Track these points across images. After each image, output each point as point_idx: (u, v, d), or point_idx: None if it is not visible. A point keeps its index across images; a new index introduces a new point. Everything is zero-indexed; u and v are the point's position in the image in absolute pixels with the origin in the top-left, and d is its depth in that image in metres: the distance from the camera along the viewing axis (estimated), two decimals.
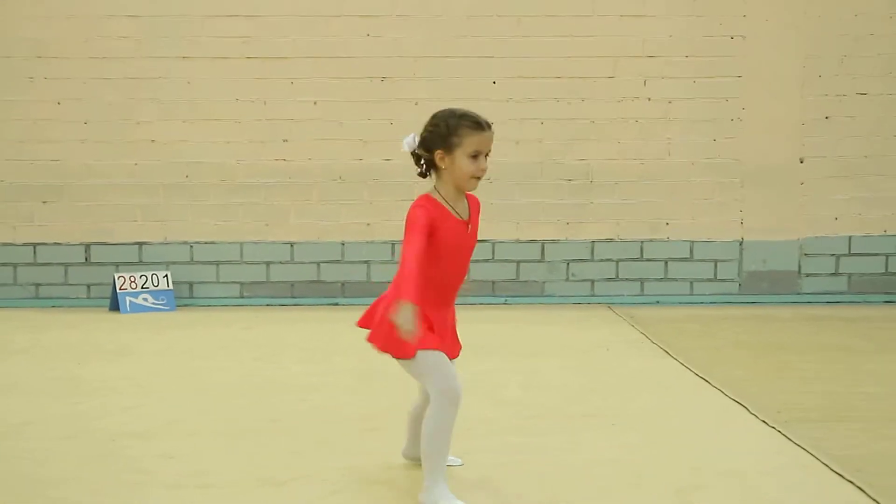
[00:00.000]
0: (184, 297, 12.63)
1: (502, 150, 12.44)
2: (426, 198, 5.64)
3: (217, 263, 12.75)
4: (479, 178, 5.68)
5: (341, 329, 10.80)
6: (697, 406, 8.24)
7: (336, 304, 12.57)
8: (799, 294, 12.92)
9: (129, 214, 12.66)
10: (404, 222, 5.66)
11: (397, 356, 5.69)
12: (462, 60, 12.72)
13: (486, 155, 5.71)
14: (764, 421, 7.63)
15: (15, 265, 12.66)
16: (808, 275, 12.95)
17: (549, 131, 12.79)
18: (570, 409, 8.12)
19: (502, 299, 12.86)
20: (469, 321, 11.28)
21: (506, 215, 12.79)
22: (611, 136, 12.81)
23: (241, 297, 12.68)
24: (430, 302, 5.72)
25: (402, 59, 12.63)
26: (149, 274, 12.46)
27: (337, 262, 12.68)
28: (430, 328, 5.75)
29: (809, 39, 12.77)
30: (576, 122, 12.79)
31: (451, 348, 6.01)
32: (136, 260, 12.69)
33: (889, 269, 12.93)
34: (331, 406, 8.03)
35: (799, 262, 12.94)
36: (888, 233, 12.88)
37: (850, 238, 12.91)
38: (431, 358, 5.66)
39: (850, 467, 6.52)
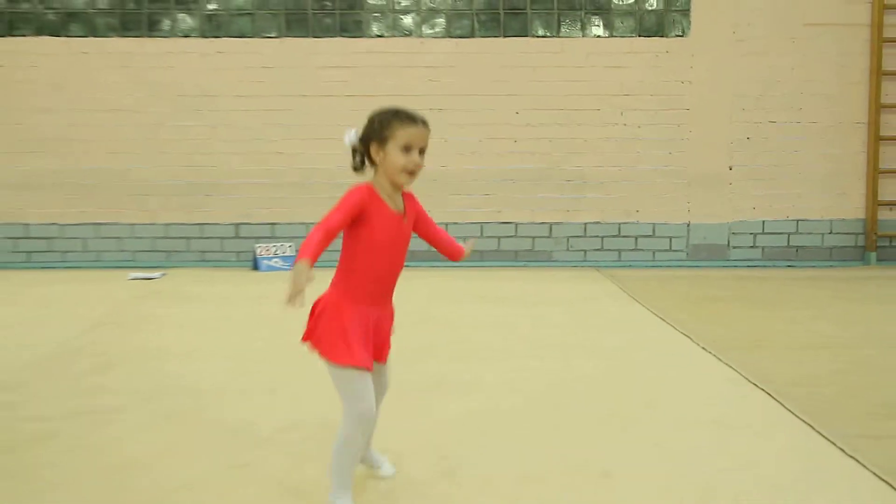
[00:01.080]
0: None
1: (523, 159, 12.59)
2: (365, 185, 4.27)
3: None
4: (412, 174, 4.30)
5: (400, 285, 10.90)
6: (657, 338, 8.31)
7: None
8: (728, 261, 12.95)
9: (264, 204, 12.79)
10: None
11: (324, 357, 4.28)
12: (494, 97, 12.77)
13: (422, 152, 4.32)
14: (703, 348, 7.75)
15: (188, 238, 12.81)
16: (734, 247, 12.98)
17: (555, 147, 12.84)
18: (566, 340, 8.19)
19: (522, 263, 12.93)
20: (498, 279, 11.49)
21: (525, 205, 12.86)
22: (597, 150, 12.86)
23: None
24: (365, 299, 4.38)
25: (453, 97, 12.70)
26: (278, 245, 12.58)
27: None
28: (361, 338, 4.32)
29: (735, 84, 12.81)
30: (574, 140, 12.85)
31: (380, 351, 4.53)
32: (270, 235, 12.81)
33: (790, 244, 12.94)
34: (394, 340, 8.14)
35: (728, 238, 12.96)
36: (789, 218, 12.90)
37: (763, 222, 12.94)
38: (354, 379, 4.21)
39: (763, 379, 6.73)
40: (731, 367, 7.12)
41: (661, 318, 9.05)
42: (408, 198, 4.49)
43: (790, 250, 13.01)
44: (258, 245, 12.60)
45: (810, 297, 10.40)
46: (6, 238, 12.75)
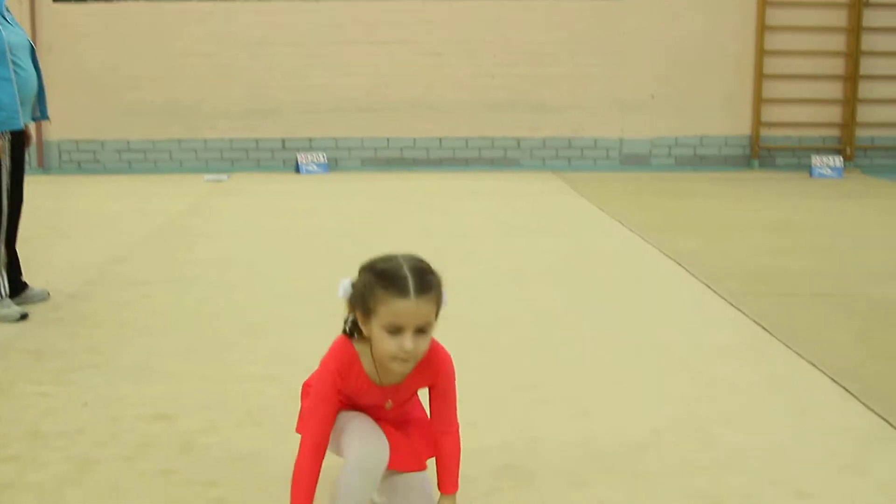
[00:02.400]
0: (333, 167, 12.70)
1: (499, 90, 12.61)
2: (340, 358, 2.43)
3: (349, 149, 12.80)
4: (406, 360, 2.30)
5: (397, 184, 10.94)
6: (594, 222, 8.37)
7: (407, 170, 12.74)
8: (650, 166, 12.92)
9: (304, 124, 12.64)
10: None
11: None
12: (478, 44, 12.65)
13: (421, 330, 2.28)
14: (630, 230, 7.81)
15: (247, 150, 12.69)
16: (654, 156, 12.94)
17: (523, 81, 12.69)
18: (531, 224, 8.28)
19: (497, 168, 12.81)
20: (479, 180, 11.55)
21: (500, 124, 12.74)
22: (555, 84, 12.69)
23: (362, 167, 12.78)
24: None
25: (449, 44, 12.55)
26: (314, 154, 12.53)
27: (410, 147, 12.75)
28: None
29: (658, 35, 12.65)
30: (537, 76, 12.70)
31: (395, 452, 2.47)
32: (308, 147, 12.72)
33: (696, 154, 12.86)
34: (383, 221, 8.24)
35: (650, 149, 12.92)
36: (695, 135, 12.83)
37: (676, 137, 12.86)
38: (347, 419, 2.48)
39: (673, 251, 6.87)
40: (650, 243, 7.20)
41: (600, 208, 9.07)
42: (421, 369, 2.45)
43: (696, 158, 12.95)
44: (299, 154, 12.53)
45: (710, 193, 10.44)
46: (114, 151, 12.69)
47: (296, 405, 3.73)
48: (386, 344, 2.28)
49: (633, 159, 12.95)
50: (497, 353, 4.45)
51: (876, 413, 3.68)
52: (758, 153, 12.88)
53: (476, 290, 5.68)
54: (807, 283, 5.96)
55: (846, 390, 3.93)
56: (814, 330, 4.86)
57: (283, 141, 12.76)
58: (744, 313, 5.16)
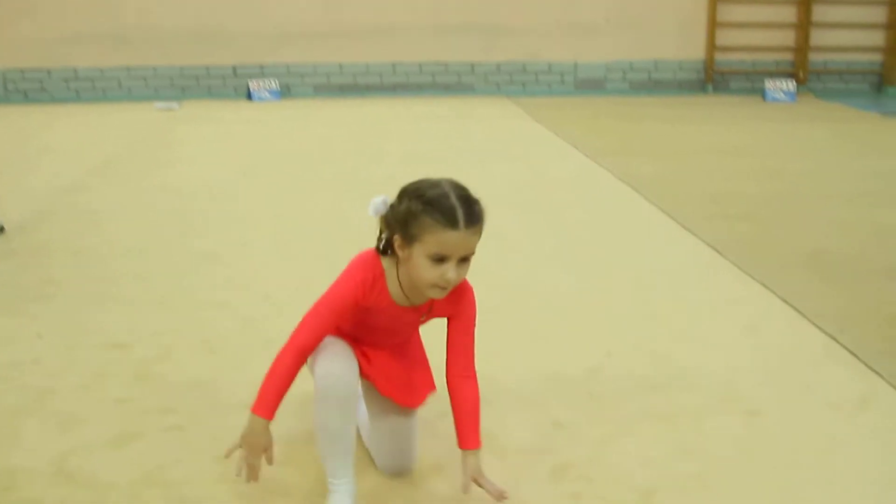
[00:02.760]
0: (285, 93, 12.54)
1: (451, 15, 12.43)
2: (368, 271, 2.37)
3: (301, 75, 12.64)
4: (444, 288, 2.28)
5: (350, 110, 10.84)
6: (549, 147, 8.39)
7: (360, 96, 12.58)
8: (605, 91, 12.90)
9: (255, 50, 12.43)
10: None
11: None
12: None
13: (465, 259, 2.29)
14: (585, 154, 7.83)
15: (198, 77, 12.47)
16: (609, 81, 12.94)
17: (475, 4, 12.58)
18: (484, 150, 8.25)
19: (451, 93, 12.72)
20: (433, 105, 11.55)
21: (453, 48, 12.64)
22: (508, 7, 12.59)
23: (315, 93, 12.64)
24: (365, 343, 2.51)
25: None
26: (265, 80, 12.36)
27: (363, 73, 12.63)
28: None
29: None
30: (495, 1, 12.60)
31: (386, 381, 2.52)
32: (260, 74, 12.55)
33: (651, 78, 12.89)
34: (337, 148, 8.18)
35: (605, 74, 12.91)
36: (650, 59, 12.86)
37: (630, 62, 12.87)
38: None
39: (627, 176, 6.92)
40: (605, 168, 7.22)
41: (554, 133, 9.06)
42: (456, 294, 2.44)
43: (651, 83, 12.95)
44: (251, 81, 12.34)
45: (664, 117, 10.44)
46: (61, 80, 12.42)
47: (252, 332, 3.76)
48: (428, 272, 2.26)
49: (588, 84, 12.92)
50: None
51: (826, 333, 3.76)
52: (712, 77, 12.92)
53: None
54: (760, 206, 6.03)
55: (797, 310, 4.01)
56: (766, 252, 4.93)
57: (235, 68, 12.56)
58: (697, 236, 5.23)
